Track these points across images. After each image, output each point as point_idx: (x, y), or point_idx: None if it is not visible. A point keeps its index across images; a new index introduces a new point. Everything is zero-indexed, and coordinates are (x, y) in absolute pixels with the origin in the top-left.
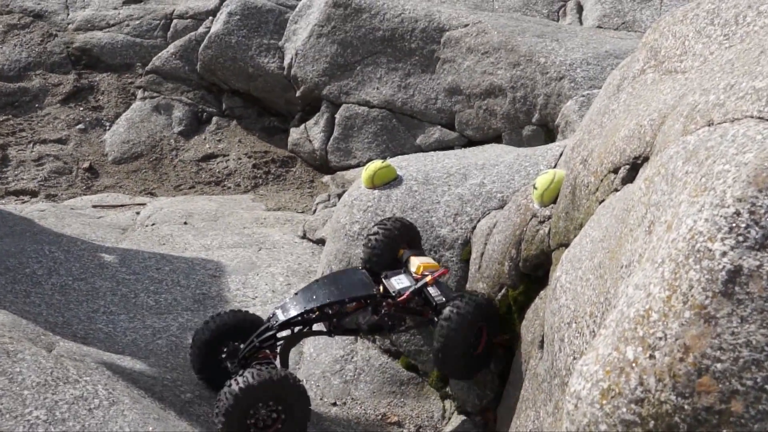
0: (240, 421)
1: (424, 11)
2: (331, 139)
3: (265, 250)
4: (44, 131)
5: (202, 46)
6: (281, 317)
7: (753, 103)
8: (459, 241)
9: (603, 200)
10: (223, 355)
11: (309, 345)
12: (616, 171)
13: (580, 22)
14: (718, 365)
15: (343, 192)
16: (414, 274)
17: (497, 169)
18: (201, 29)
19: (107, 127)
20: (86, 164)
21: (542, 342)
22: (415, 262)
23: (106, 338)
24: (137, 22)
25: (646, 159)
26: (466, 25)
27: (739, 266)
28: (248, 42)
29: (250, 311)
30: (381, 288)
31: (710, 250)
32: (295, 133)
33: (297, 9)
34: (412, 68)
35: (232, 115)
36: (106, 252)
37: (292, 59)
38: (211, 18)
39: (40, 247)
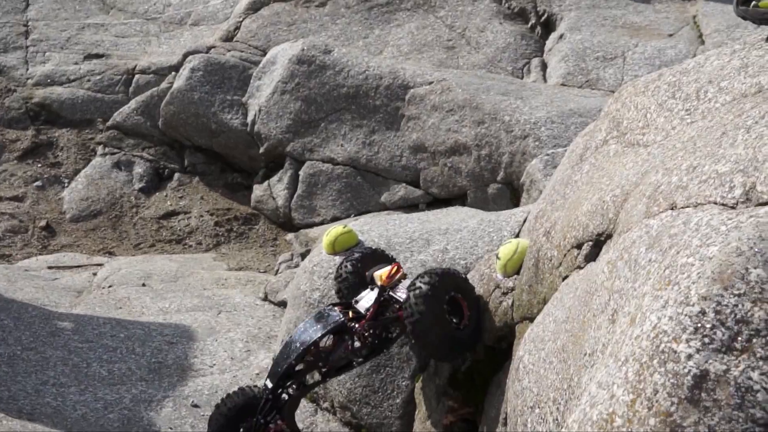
0: None
1: (389, 68)
2: (295, 196)
3: (225, 314)
4: (0, 188)
5: (164, 101)
6: (270, 384)
7: (716, 188)
8: None
9: (566, 276)
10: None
11: None
12: (579, 246)
13: (545, 80)
14: None
15: (307, 251)
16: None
17: (460, 234)
18: (163, 85)
19: (66, 184)
20: (43, 223)
21: (506, 419)
22: (377, 275)
23: (54, 413)
24: (98, 77)
25: (609, 236)
26: (431, 83)
27: (705, 371)
28: (211, 98)
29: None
30: (351, 313)
31: (675, 352)
32: (258, 190)
33: (261, 65)
34: (376, 125)
35: (194, 172)
36: (59, 318)
37: (255, 115)
38: (173, 73)
39: None
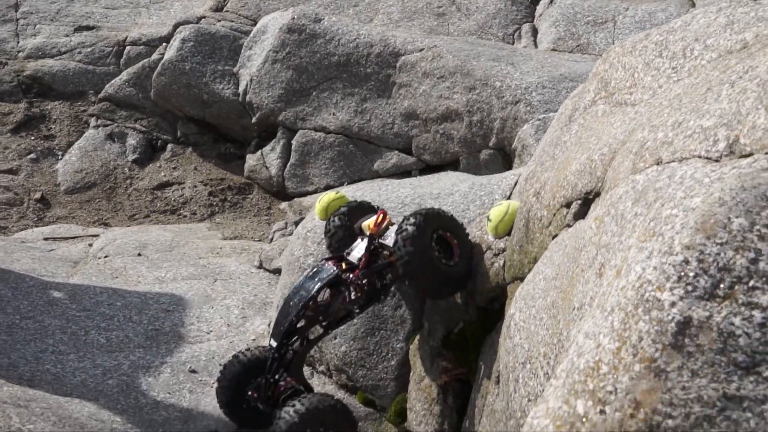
0: None
1: (379, 36)
2: (288, 165)
3: (220, 282)
4: None
5: (155, 73)
6: (274, 343)
7: (701, 142)
8: None
9: (556, 235)
10: (250, 392)
11: None
12: (568, 205)
13: (535, 45)
14: (670, 422)
15: (301, 219)
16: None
17: (452, 198)
18: (154, 56)
19: (59, 157)
20: (38, 195)
21: (499, 378)
22: (365, 225)
23: (53, 380)
24: (89, 49)
25: (598, 194)
26: (422, 50)
27: (688, 317)
28: (202, 68)
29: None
30: (344, 265)
31: (659, 300)
32: (251, 160)
33: (251, 35)
34: (368, 93)
35: (187, 142)
36: (56, 288)
37: (247, 85)
38: (164, 44)
39: None
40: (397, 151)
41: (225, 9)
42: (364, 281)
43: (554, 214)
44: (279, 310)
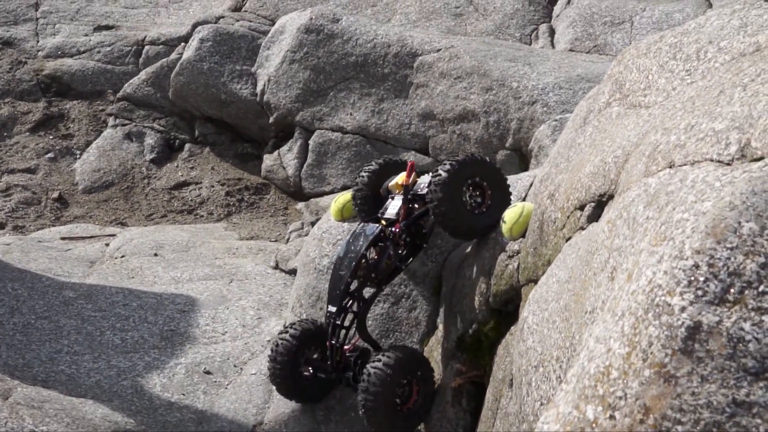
0: (389, 401)
1: (397, 36)
2: (305, 165)
3: (236, 282)
4: (12, 160)
5: (174, 72)
6: (333, 309)
7: (713, 145)
8: (430, 275)
9: (570, 237)
10: (304, 365)
11: None
12: (582, 208)
13: (552, 46)
14: (679, 427)
15: (317, 219)
16: (399, 194)
17: None
18: (173, 56)
19: (77, 156)
20: (56, 194)
21: (512, 381)
22: (393, 184)
23: (68, 380)
24: (108, 48)
25: (611, 197)
26: (439, 50)
27: (698, 322)
28: (220, 68)
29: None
30: (383, 222)
31: (669, 305)
32: (268, 160)
33: (269, 35)
34: (385, 93)
35: (204, 142)
36: (72, 288)
37: (264, 85)
38: (183, 44)
39: (2, 285)
40: (413, 152)
41: (243, 9)
42: (405, 233)
43: (568, 217)
44: (330, 278)
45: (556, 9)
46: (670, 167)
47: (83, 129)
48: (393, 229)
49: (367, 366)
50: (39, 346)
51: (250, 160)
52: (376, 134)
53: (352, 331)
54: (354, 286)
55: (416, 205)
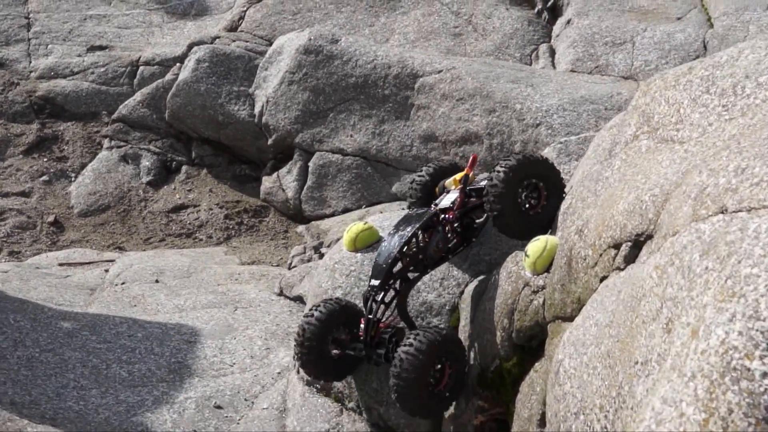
0: (422, 384)
1: (397, 57)
2: (305, 187)
3: (241, 310)
4: (6, 184)
5: (170, 94)
6: (376, 283)
7: None
8: (447, 307)
9: (604, 277)
10: (332, 344)
11: (292, 418)
12: (616, 247)
13: (553, 66)
14: None
15: (319, 243)
16: (456, 189)
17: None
18: (168, 76)
19: (72, 179)
20: (51, 218)
21: (541, 420)
22: (449, 181)
23: (76, 418)
24: (102, 69)
25: (649, 237)
26: (440, 71)
27: None
28: (217, 89)
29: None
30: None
31: (749, 370)
32: (267, 182)
33: (267, 55)
34: (386, 115)
35: (202, 164)
36: (75, 318)
37: (263, 107)
38: (178, 65)
39: (5, 316)
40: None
41: (240, 29)
42: (456, 224)
43: (600, 255)
44: (376, 256)
45: (556, 29)
46: (723, 212)
47: (78, 151)
48: (446, 215)
49: (399, 350)
50: (45, 381)
51: (248, 182)
52: (377, 156)
53: (389, 311)
54: (399, 265)
55: (473, 198)
